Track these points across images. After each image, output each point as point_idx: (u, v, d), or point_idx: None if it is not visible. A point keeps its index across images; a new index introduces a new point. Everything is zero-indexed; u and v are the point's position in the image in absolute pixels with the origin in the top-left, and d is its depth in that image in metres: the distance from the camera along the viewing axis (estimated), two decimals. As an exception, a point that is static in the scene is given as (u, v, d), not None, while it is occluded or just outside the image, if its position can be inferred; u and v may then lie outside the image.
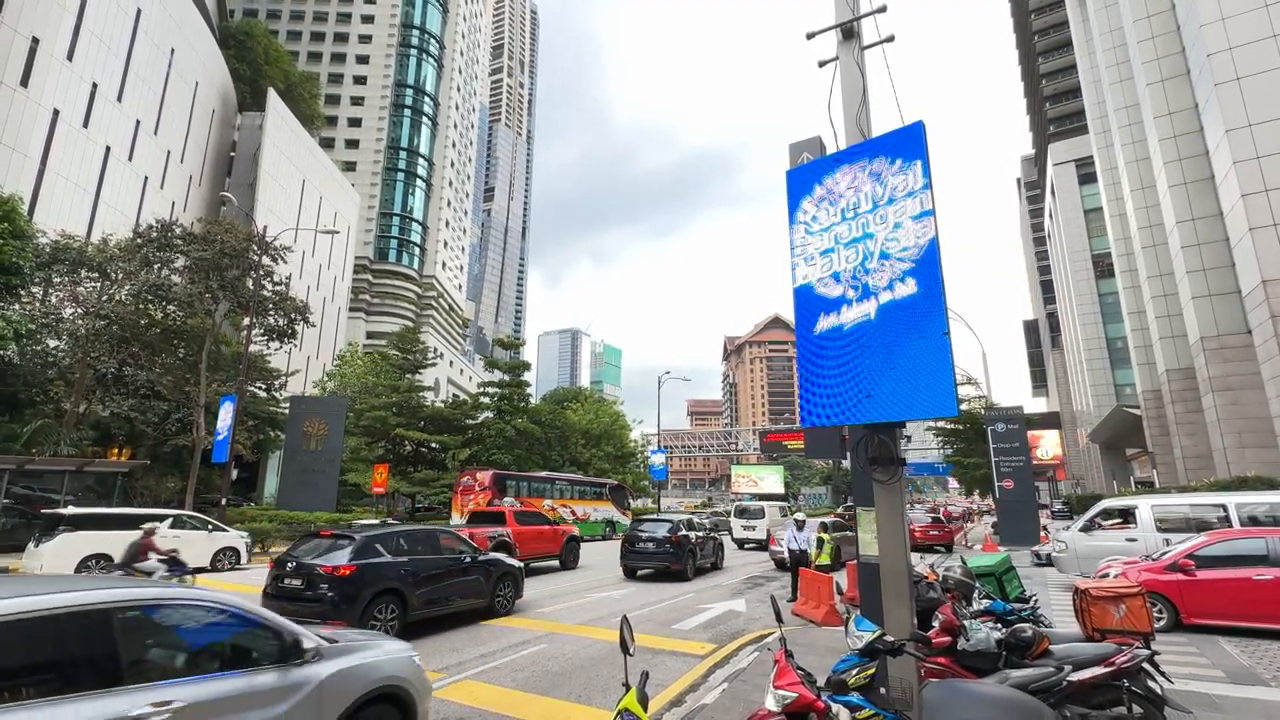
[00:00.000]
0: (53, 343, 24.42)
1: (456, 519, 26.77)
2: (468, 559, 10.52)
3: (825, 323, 5.05)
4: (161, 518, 16.22)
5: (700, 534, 17.39)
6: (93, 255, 24.46)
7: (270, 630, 3.76)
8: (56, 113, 31.39)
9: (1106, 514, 13.57)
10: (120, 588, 3.35)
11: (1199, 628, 9.01)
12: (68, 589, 3.11)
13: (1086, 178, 48.70)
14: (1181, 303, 26.19)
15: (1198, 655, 7.81)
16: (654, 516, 17.98)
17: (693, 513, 40.00)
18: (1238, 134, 20.47)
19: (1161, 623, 9.00)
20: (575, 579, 16.46)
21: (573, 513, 30.10)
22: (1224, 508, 11.65)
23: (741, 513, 27.38)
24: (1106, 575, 9.82)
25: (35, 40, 30.15)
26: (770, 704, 3.43)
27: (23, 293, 23.11)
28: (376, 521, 18.87)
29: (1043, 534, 20.79)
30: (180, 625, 3.54)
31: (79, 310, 23.45)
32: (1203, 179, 24.62)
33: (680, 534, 16.07)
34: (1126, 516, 13.14)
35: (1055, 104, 56.83)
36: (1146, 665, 4.48)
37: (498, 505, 26.02)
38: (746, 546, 25.84)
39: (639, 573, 16.34)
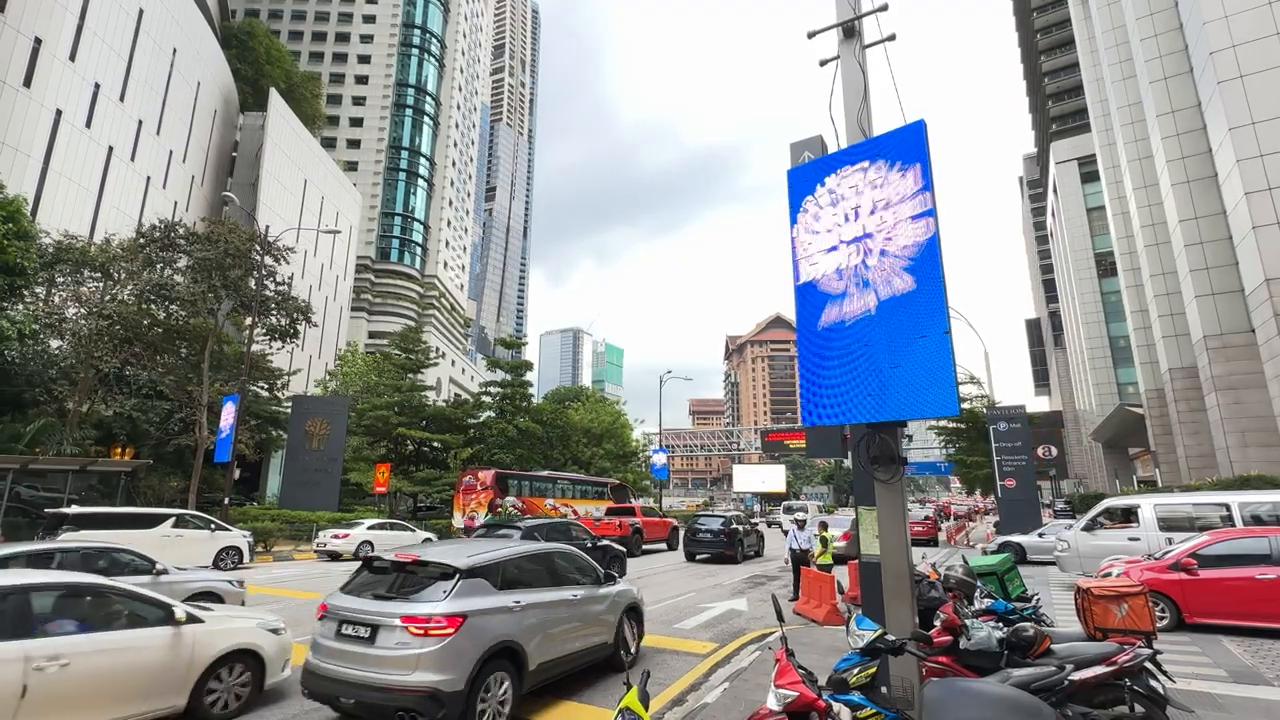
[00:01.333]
0: (55, 343, 24.47)
1: (459, 518, 26.82)
2: (589, 544, 13.12)
3: (828, 317, 5.10)
4: (165, 517, 16.30)
5: (746, 526, 21.80)
6: (95, 255, 24.51)
7: (597, 568, 7.61)
8: (59, 113, 31.46)
9: (1109, 513, 13.55)
10: (547, 543, 8.12)
11: (1202, 627, 9.00)
12: (529, 544, 7.12)
13: (1089, 176, 48.54)
14: (1184, 301, 26.10)
15: (1200, 655, 7.79)
16: (709, 513, 23.37)
17: (759, 514, 49.58)
18: (1241, 132, 20.38)
19: (1164, 622, 8.99)
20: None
21: (574, 512, 30.06)
22: (1227, 507, 11.63)
23: (788, 510, 34.88)
24: (1109, 574, 9.81)
25: (38, 41, 30.22)
26: (771, 703, 3.43)
27: (26, 293, 23.16)
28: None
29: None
30: (567, 561, 7.20)
31: (82, 310, 23.49)
32: (1206, 177, 24.53)
33: (731, 527, 20.31)
34: (1129, 516, 13.12)
35: (1057, 102, 56.63)
36: (1149, 664, 4.47)
37: (499, 505, 26.10)
38: None
39: (697, 556, 20.54)
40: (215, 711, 5.62)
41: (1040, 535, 19.38)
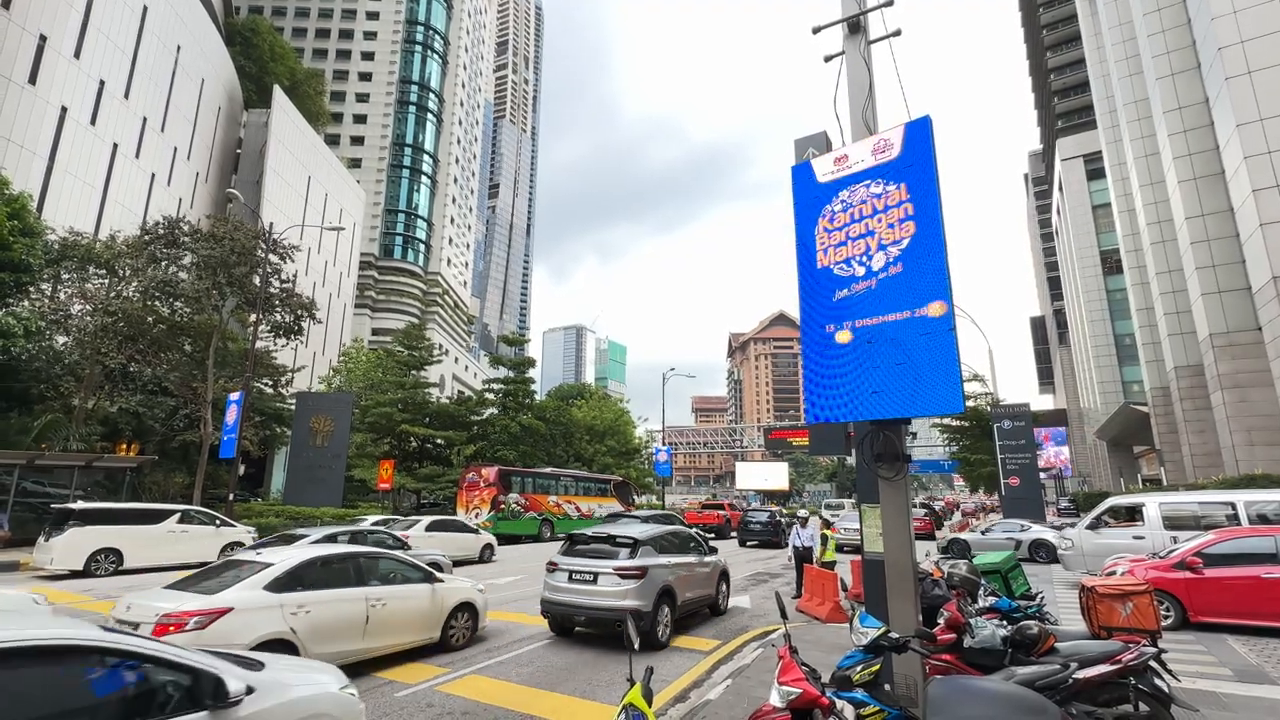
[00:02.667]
0: (60, 339, 24.55)
1: (463, 514, 26.87)
2: None
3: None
4: (170, 513, 16.37)
5: (787, 519, 25.73)
6: (100, 252, 24.55)
7: (705, 544, 10.79)
8: (64, 110, 31.51)
9: (1113, 512, 13.49)
10: (677, 526, 11.69)
11: (1207, 626, 8.97)
12: (662, 526, 10.44)
13: (1095, 173, 48.26)
14: (1190, 299, 25.95)
15: (1205, 654, 7.77)
16: (757, 508, 30.89)
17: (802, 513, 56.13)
18: (1249, 128, 20.23)
19: (1169, 621, 8.96)
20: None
21: (577, 508, 30.09)
22: (1232, 506, 11.56)
23: (827, 506, 44.29)
24: (1113, 573, 9.77)
25: (43, 38, 30.26)
26: (775, 700, 3.43)
27: (32, 289, 23.23)
28: None
29: None
30: (686, 541, 10.16)
31: (87, 307, 23.56)
32: (1213, 174, 24.35)
33: (775, 519, 25.50)
34: (1134, 514, 13.07)
35: (1063, 99, 56.28)
36: (1153, 663, 4.45)
37: (502, 501, 26.17)
38: None
39: (748, 543, 25.58)
40: (453, 644, 8.18)
41: (984, 533, 19.40)
